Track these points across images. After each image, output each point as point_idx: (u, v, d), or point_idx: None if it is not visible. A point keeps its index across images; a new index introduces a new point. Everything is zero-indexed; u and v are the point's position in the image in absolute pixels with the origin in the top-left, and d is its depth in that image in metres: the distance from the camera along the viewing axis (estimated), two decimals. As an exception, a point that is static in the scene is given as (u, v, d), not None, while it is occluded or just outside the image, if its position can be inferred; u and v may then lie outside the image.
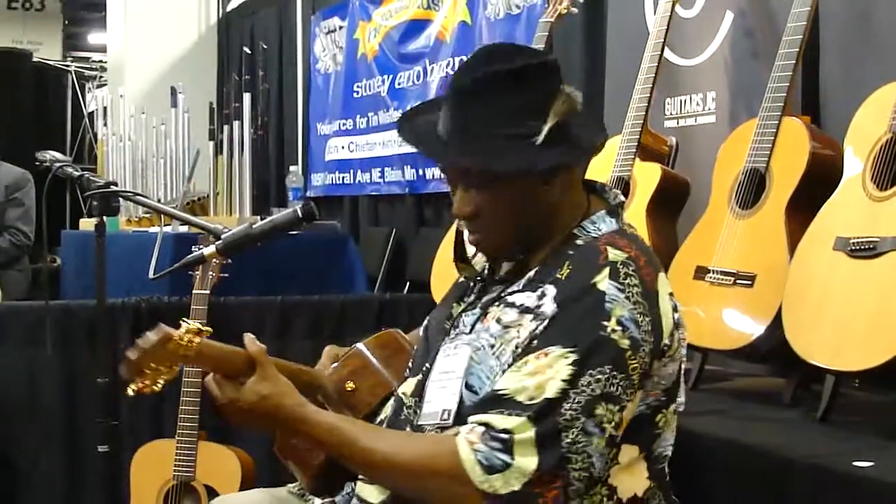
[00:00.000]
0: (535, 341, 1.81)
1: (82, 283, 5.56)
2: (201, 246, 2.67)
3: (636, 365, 1.79)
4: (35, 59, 9.94)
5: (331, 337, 3.83)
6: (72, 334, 3.89)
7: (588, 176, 3.53)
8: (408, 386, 2.06)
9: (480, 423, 1.75)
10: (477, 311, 1.99)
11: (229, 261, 3.50)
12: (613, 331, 1.77)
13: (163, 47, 8.51)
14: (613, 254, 1.85)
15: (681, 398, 2.69)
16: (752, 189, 2.89)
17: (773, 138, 2.85)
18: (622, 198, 2.03)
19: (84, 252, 5.60)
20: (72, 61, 11.17)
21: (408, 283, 5.62)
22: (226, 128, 5.40)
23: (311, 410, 1.88)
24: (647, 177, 3.33)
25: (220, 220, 4.78)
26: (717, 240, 2.93)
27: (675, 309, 1.90)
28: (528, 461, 1.71)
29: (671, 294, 1.91)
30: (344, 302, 4.33)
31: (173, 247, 4.07)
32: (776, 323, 2.67)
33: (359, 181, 6.50)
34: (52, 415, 3.84)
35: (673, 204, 3.37)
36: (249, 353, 1.89)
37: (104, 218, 3.34)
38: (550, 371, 1.75)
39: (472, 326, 1.97)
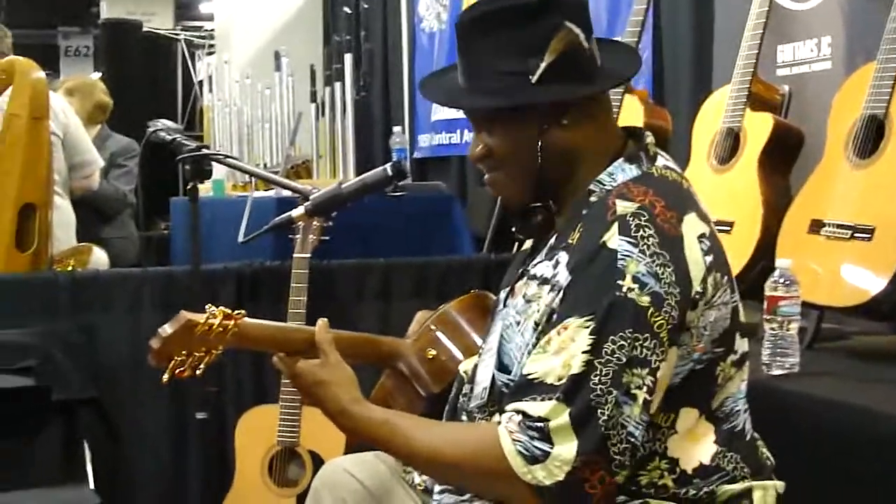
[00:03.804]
0: (555, 315, 1.75)
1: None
2: (299, 209, 2.65)
3: (662, 321, 1.69)
4: (145, 30, 10.08)
5: (435, 298, 3.77)
6: (173, 300, 3.90)
7: (698, 128, 3.47)
8: (468, 364, 2.03)
9: (517, 412, 1.71)
10: (508, 287, 1.96)
11: (330, 223, 3.47)
12: (630, 289, 1.68)
13: (269, 13, 8.59)
14: (622, 206, 1.75)
15: (794, 358, 2.61)
16: (871, 137, 2.79)
17: (892, 83, 2.75)
18: (650, 138, 1.91)
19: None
20: (181, 30, 11.31)
21: (516, 244, 5.53)
22: (327, 90, 5.36)
23: (363, 407, 1.86)
24: (759, 127, 3.26)
25: (324, 182, 4.74)
26: (833, 192, 2.84)
27: (707, 252, 1.76)
28: (567, 448, 1.66)
29: (703, 235, 1.77)
30: (448, 263, 4.27)
31: (275, 211, 4.03)
32: (898, 278, 2.56)
33: (466, 141, 6.44)
34: (156, 380, 3.85)
35: (786, 155, 3.28)
36: (315, 337, 1.91)
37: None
38: (574, 345, 1.69)
39: (504, 302, 1.94)
